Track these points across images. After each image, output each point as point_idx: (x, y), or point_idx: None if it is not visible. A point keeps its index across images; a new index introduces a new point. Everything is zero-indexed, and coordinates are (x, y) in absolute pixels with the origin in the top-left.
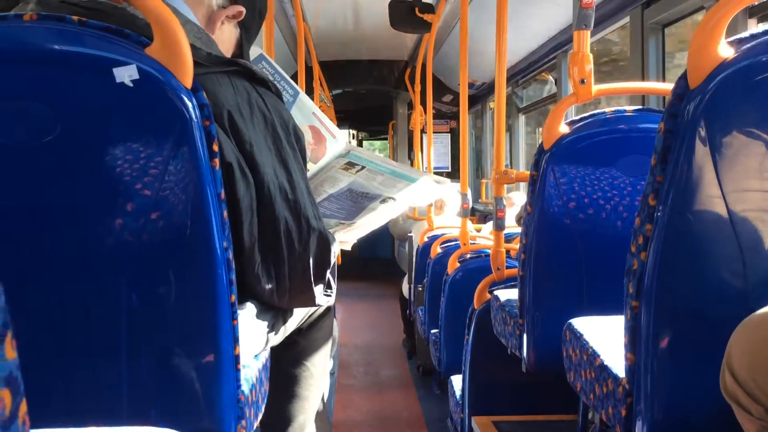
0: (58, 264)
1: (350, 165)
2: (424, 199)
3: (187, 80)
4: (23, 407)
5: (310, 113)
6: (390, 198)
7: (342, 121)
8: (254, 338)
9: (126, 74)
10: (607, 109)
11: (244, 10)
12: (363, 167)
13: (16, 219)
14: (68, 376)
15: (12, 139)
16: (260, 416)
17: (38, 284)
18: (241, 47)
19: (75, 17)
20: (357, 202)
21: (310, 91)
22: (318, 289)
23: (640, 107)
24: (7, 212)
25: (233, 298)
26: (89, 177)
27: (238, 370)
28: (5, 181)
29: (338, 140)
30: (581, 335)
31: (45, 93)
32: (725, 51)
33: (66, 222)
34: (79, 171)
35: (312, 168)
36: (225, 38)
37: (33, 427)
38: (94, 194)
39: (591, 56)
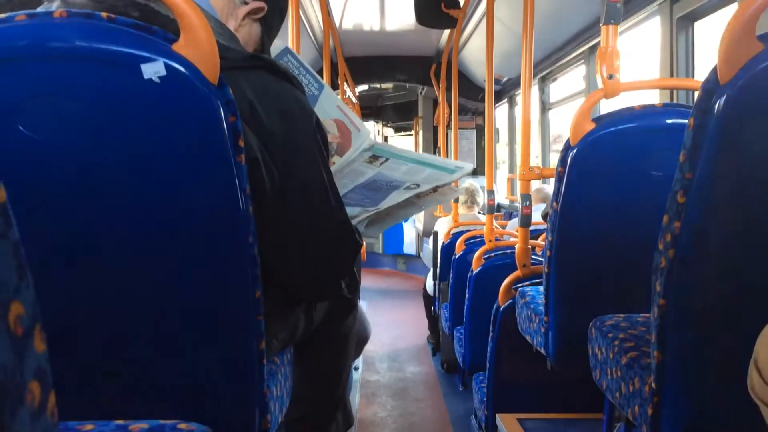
0: (83, 260)
1: (374, 158)
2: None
3: (214, 76)
4: (52, 399)
5: (335, 107)
6: (414, 184)
7: (367, 116)
8: (282, 333)
9: (153, 70)
10: (635, 105)
11: (265, 6)
12: (387, 159)
13: (45, 214)
14: (96, 370)
15: (42, 135)
16: (285, 411)
17: (64, 279)
18: (263, 44)
19: (103, 14)
20: (381, 190)
21: (335, 88)
22: (343, 282)
23: (669, 102)
24: (35, 207)
25: (258, 293)
26: (117, 172)
27: (263, 365)
28: (33, 176)
29: (362, 133)
30: (607, 333)
31: (73, 89)
32: (757, 46)
33: (93, 216)
34: (106, 166)
35: (337, 161)
36: (246, 35)
37: (61, 420)
38: (120, 190)
39: (620, 51)
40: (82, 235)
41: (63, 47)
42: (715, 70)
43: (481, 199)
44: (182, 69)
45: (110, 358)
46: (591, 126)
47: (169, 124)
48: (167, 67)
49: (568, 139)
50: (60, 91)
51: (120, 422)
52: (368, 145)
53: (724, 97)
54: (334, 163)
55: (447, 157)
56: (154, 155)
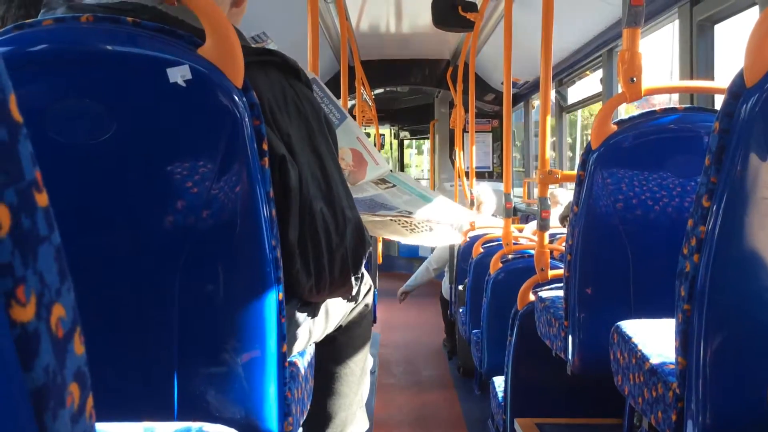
0: (110, 261)
1: (382, 181)
2: (450, 231)
3: (239, 80)
4: (90, 401)
5: (354, 138)
6: (407, 211)
7: (383, 120)
8: (299, 335)
9: (179, 74)
10: (657, 108)
11: None
12: (394, 185)
13: (71, 216)
14: (120, 372)
15: (69, 137)
16: (306, 413)
17: (90, 280)
18: None
19: (129, 18)
20: (372, 208)
21: (351, 91)
22: (355, 281)
23: (691, 106)
24: (62, 209)
25: (281, 295)
26: (142, 175)
27: (285, 368)
28: (61, 178)
29: (381, 167)
30: (630, 338)
31: (101, 92)
32: None
33: (118, 219)
34: (132, 169)
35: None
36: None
37: None
38: (146, 192)
39: (641, 54)
40: (106, 237)
41: (90, 51)
42: (741, 73)
43: (488, 205)
44: (207, 73)
45: (133, 360)
46: (612, 129)
47: (193, 127)
48: (193, 70)
49: (589, 142)
50: (86, 94)
51: (146, 424)
52: (385, 176)
53: (751, 100)
54: None
55: (464, 161)
56: (178, 158)
